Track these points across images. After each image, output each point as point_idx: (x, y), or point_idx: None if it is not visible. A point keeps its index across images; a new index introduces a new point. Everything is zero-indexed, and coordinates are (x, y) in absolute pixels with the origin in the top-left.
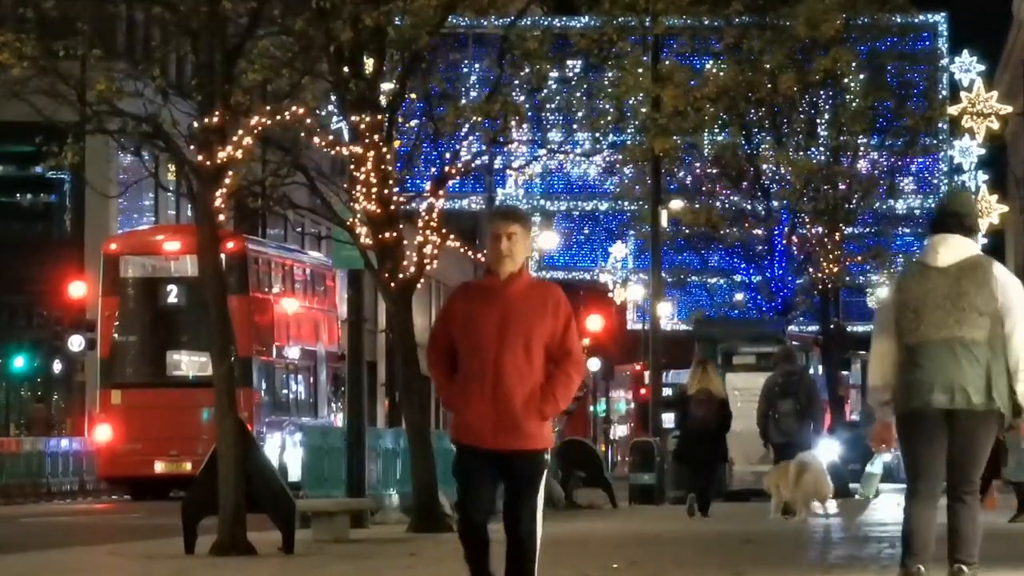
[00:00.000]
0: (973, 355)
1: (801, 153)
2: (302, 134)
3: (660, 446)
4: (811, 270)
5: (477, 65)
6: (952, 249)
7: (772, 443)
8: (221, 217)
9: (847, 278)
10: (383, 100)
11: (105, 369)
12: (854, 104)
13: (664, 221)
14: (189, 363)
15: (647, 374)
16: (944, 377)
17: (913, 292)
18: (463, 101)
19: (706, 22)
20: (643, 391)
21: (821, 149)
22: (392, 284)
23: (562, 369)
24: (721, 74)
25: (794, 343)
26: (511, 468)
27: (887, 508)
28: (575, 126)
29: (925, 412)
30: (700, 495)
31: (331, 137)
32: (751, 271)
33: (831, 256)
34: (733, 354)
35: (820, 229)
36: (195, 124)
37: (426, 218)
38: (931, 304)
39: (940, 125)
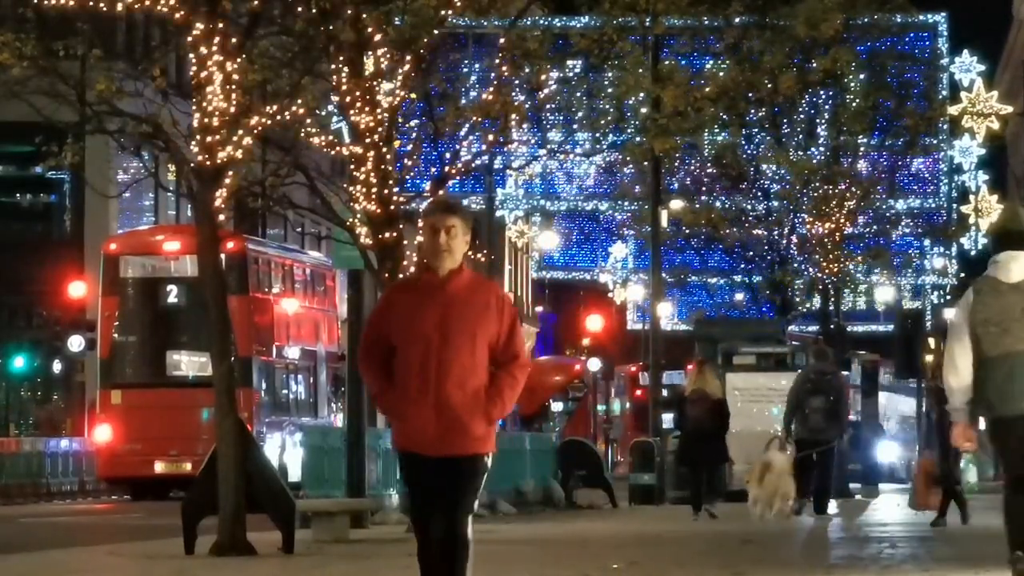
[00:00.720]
0: None
1: (801, 153)
2: (302, 134)
3: (660, 446)
4: (811, 270)
5: (477, 65)
6: (1022, 265)
7: (797, 439)
8: (221, 217)
9: (847, 278)
10: (383, 100)
11: (105, 369)
12: (854, 104)
13: (664, 221)
14: (189, 363)
15: (642, 375)
16: None
17: (992, 308)
18: (463, 101)
19: (706, 22)
20: (638, 392)
21: (821, 149)
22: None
23: (508, 371)
24: (721, 74)
25: (794, 343)
26: (454, 472)
27: (887, 508)
28: (575, 126)
29: (1016, 416)
30: (695, 495)
31: (331, 137)
32: (751, 271)
33: (831, 256)
34: (733, 354)
35: (820, 229)
36: (195, 124)
37: None
38: (1011, 318)
39: (940, 125)
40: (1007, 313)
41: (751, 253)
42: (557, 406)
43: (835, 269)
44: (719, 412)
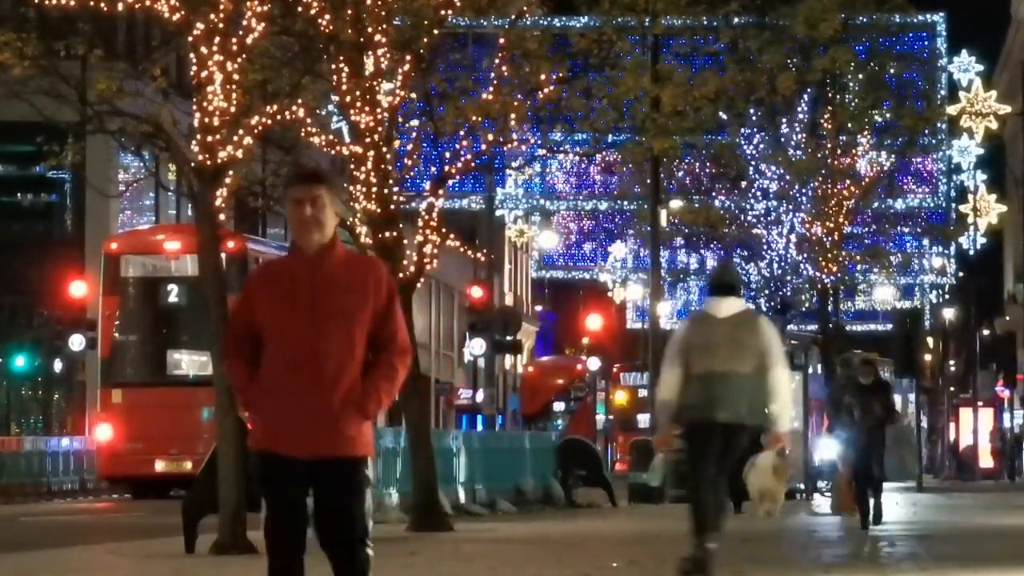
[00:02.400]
0: (743, 383)
1: (800, 153)
2: (302, 134)
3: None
4: (810, 270)
5: (477, 65)
6: (726, 305)
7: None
8: (221, 217)
9: (847, 278)
10: (383, 100)
11: (106, 368)
12: (854, 104)
13: (663, 221)
14: (189, 362)
15: (623, 375)
16: (723, 398)
17: (703, 336)
18: (463, 101)
19: (705, 22)
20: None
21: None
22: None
23: (385, 359)
24: (720, 74)
25: (793, 343)
26: (327, 479)
27: (887, 508)
28: (575, 126)
29: (715, 423)
30: (733, 493)
31: (331, 137)
32: (750, 271)
33: (831, 256)
34: None
35: (820, 229)
36: (195, 124)
37: (426, 218)
38: (716, 344)
39: (939, 125)
40: (714, 340)
41: (750, 253)
42: (559, 405)
43: (834, 269)
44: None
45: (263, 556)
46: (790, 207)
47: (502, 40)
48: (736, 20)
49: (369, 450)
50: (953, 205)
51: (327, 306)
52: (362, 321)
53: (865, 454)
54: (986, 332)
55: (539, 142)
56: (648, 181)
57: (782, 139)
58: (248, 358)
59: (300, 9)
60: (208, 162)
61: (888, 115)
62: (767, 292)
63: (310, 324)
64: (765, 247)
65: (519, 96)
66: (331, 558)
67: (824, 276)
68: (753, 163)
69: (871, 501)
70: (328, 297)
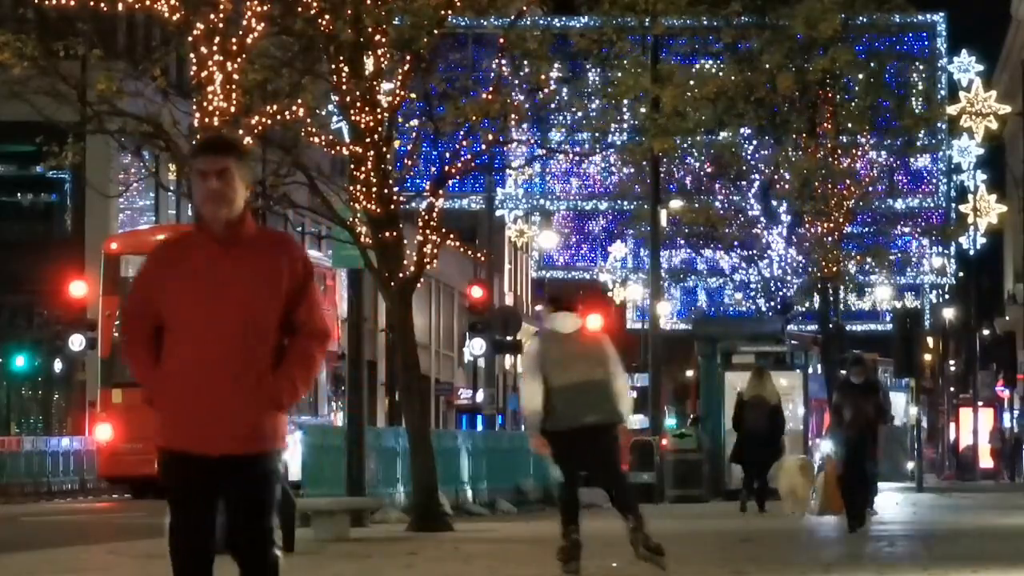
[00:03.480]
0: (601, 388)
1: (800, 152)
2: (302, 134)
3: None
4: (811, 270)
5: (477, 65)
6: (570, 321)
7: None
8: None
9: (847, 278)
10: (383, 100)
11: (106, 368)
12: (853, 104)
13: (664, 221)
14: None
15: None
16: (587, 403)
17: (556, 351)
18: (463, 101)
19: (705, 22)
20: None
21: (820, 149)
22: (392, 284)
23: (301, 344)
24: (720, 74)
25: (793, 343)
26: (236, 477)
27: (887, 508)
28: (575, 126)
29: (576, 428)
30: (759, 493)
31: (331, 137)
32: (751, 271)
33: (830, 255)
34: (732, 353)
35: (820, 229)
36: (195, 123)
37: (426, 218)
38: (570, 358)
39: (939, 125)
40: (566, 355)
41: (750, 252)
42: None
43: (834, 269)
44: (775, 416)
45: None
46: (791, 207)
47: (502, 40)
48: (736, 20)
49: (283, 443)
50: (953, 205)
51: (236, 288)
52: (272, 303)
53: (855, 454)
54: (986, 332)
55: (539, 142)
56: (648, 181)
57: (782, 139)
58: (149, 346)
59: (300, 9)
60: None
61: (888, 115)
62: (767, 292)
63: (216, 308)
64: (765, 247)
65: (519, 96)
66: (241, 561)
67: (824, 276)
68: (753, 162)
69: (860, 502)
70: (238, 278)
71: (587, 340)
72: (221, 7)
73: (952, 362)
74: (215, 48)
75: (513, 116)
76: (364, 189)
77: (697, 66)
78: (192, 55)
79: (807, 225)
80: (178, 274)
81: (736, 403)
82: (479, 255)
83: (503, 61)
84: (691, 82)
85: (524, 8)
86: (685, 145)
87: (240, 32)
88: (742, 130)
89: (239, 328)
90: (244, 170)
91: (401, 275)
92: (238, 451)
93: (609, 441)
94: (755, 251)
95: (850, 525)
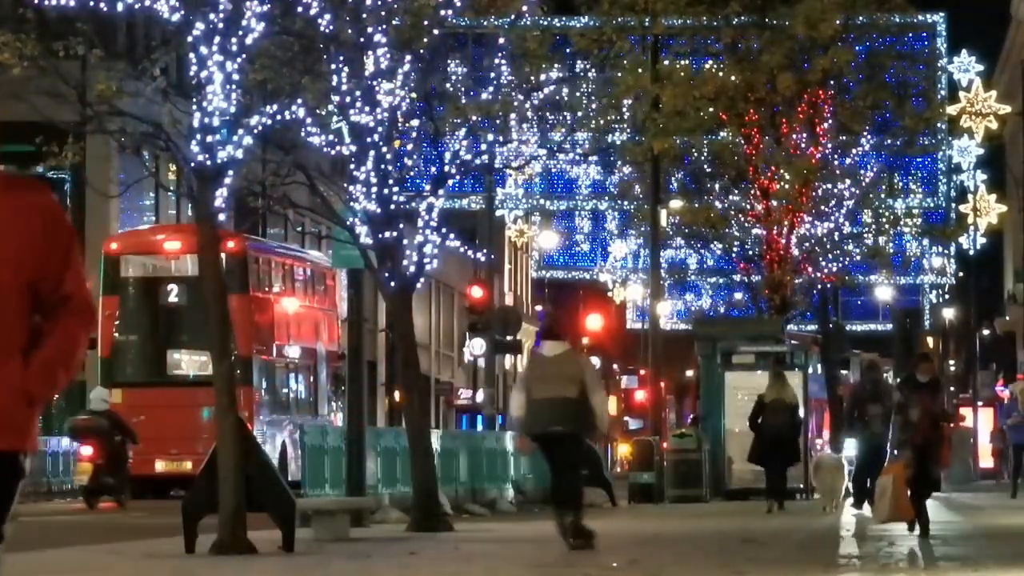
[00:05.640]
0: (569, 405)
1: (800, 153)
2: (302, 134)
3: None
4: (811, 270)
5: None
6: (555, 347)
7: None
8: (221, 217)
9: (847, 278)
10: (383, 100)
11: (106, 368)
12: (853, 104)
13: (664, 221)
14: (189, 362)
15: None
16: (553, 416)
17: (538, 371)
18: (463, 101)
19: (705, 22)
20: None
21: (820, 149)
22: (392, 284)
23: (61, 324)
24: (720, 74)
25: (793, 342)
26: None
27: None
28: (575, 126)
29: (545, 433)
30: (779, 493)
31: (331, 137)
32: (751, 271)
33: (830, 255)
34: (732, 353)
35: (820, 229)
36: (195, 124)
37: (426, 218)
38: (548, 377)
39: (939, 125)
40: (545, 373)
41: (751, 252)
42: None
43: (834, 268)
44: (794, 418)
45: (263, 556)
46: (790, 207)
47: (502, 40)
48: (736, 20)
49: (32, 443)
50: (953, 205)
51: None
52: (19, 273)
53: (923, 457)
54: (986, 332)
55: (539, 142)
56: (648, 181)
57: (782, 139)
58: None
59: (300, 9)
60: (208, 162)
61: (888, 115)
62: (767, 292)
63: None
64: (765, 247)
65: (519, 96)
66: None
67: (824, 276)
68: (753, 162)
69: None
70: None
71: (567, 363)
72: (221, 7)
73: (952, 362)
74: (215, 48)
75: (513, 116)
76: (364, 189)
77: (697, 68)
78: (192, 55)
79: (807, 225)
80: None
81: (756, 405)
82: (479, 255)
83: (503, 61)
84: (691, 82)
85: (524, 8)
86: (684, 144)
87: (240, 32)
88: (741, 129)
89: None
90: None
91: (401, 275)
92: None
93: (572, 447)
94: (756, 251)
95: (923, 531)
